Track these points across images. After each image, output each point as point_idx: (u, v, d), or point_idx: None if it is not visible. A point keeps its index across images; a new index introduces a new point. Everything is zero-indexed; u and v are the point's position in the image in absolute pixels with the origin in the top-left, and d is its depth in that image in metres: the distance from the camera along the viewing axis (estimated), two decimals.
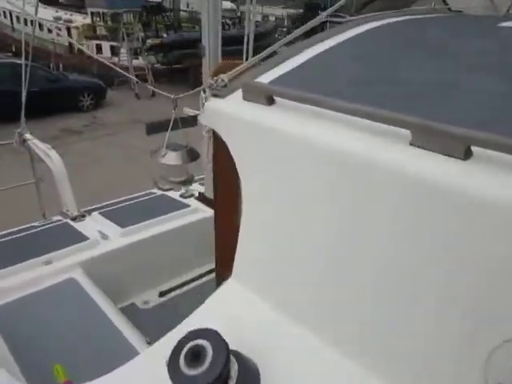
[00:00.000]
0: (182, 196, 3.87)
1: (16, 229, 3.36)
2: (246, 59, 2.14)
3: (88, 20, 22.34)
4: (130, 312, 2.92)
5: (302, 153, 1.39)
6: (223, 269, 1.98)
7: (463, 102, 1.33)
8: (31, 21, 5.71)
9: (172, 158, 2.49)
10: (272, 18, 28.42)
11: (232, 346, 1.19)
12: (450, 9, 2.56)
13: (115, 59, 16.33)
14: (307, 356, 1.36)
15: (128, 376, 1.43)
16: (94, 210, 3.64)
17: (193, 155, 2.54)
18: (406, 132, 1.19)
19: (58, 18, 20.98)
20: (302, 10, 25.75)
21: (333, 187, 1.34)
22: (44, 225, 3.43)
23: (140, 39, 17.74)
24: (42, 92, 11.90)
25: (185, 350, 1.18)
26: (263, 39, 15.59)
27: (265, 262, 1.60)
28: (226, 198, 2.01)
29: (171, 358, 1.18)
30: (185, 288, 3.35)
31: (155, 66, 17.69)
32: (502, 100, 1.31)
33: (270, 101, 1.54)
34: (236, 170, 1.61)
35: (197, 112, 2.93)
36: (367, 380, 1.27)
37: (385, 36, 2.06)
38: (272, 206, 1.55)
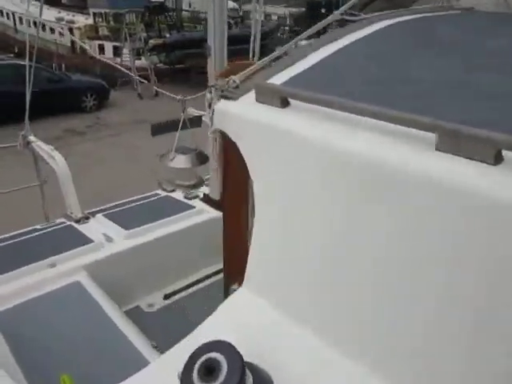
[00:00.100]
0: (186, 197, 3.84)
1: (19, 231, 3.34)
2: (253, 58, 2.10)
3: (90, 20, 22.37)
4: (135, 315, 2.90)
5: (319, 156, 1.37)
6: (231, 270, 1.96)
7: (487, 104, 1.29)
8: (34, 22, 5.70)
9: (181, 162, 2.44)
10: (274, 17, 28.38)
11: (245, 357, 1.17)
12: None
13: (118, 59, 16.33)
14: (320, 367, 1.34)
15: None
16: (97, 212, 3.62)
17: (202, 158, 2.50)
18: (430, 135, 1.16)
19: (60, 19, 20.97)
20: (304, 9, 25.74)
21: (350, 190, 1.31)
22: (48, 227, 3.41)
23: (142, 39, 17.73)
24: (45, 92, 11.89)
25: (198, 363, 1.16)
26: (267, 38, 15.63)
27: (279, 269, 1.57)
28: (234, 198, 1.98)
29: (184, 373, 1.15)
30: (190, 290, 3.33)
31: (158, 66, 17.69)
32: None
33: (285, 103, 1.51)
34: (246, 171, 1.59)
35: (202, 113, 2.90)
36: (367, 380, 1.26)
37: (399, 35, 2.02)
38: (284, 208, 1.52)
